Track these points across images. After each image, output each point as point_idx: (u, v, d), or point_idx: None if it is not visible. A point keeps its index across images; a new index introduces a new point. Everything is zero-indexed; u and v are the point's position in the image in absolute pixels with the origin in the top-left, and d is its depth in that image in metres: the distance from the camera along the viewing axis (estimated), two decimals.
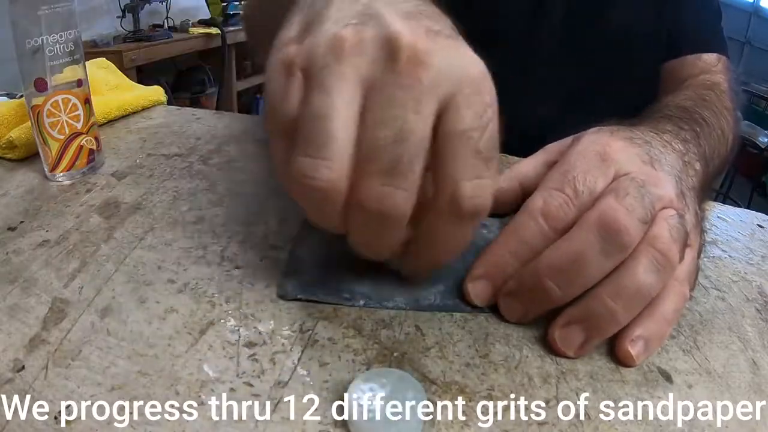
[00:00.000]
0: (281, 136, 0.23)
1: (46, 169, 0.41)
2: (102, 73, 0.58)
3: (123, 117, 0.54)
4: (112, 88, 0.57)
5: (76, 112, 0.40)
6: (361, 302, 0.28)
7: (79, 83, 0.40)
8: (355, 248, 0.25)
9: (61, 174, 0.41)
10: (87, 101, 0.41)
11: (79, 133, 0.41)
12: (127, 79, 0.61)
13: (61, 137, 0.40)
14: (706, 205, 0.38)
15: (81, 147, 0.41)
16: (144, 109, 0.57)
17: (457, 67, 0.22)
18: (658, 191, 0.27)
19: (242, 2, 2.77)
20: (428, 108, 0.22)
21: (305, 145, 0.22)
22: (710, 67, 0.56)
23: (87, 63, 0.58)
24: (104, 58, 0.62)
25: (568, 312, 0.26)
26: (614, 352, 0.26)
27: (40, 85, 0.38)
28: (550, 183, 0.28)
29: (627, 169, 0.28)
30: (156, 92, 0.59)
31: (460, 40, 0.24)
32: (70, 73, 0.40)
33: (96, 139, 0.43)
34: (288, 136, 0.23)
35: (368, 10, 0.23)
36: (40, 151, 0.40)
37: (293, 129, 0.22)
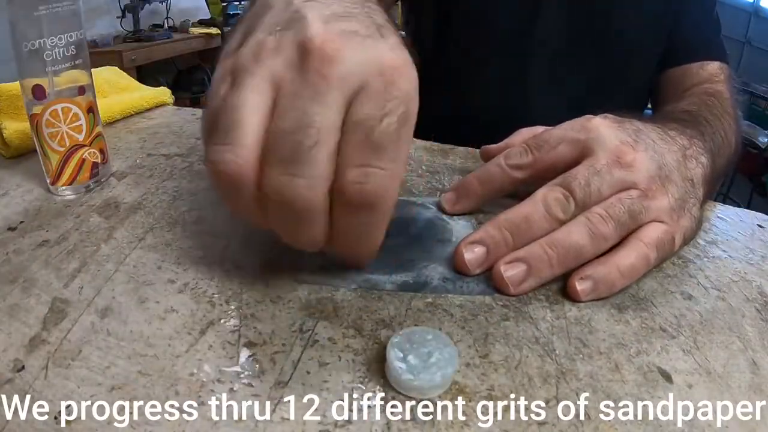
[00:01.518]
0: (208, 130, 0.24)
1: (47, 181, 0.38)
2: (107, 74, 0.58)
3: (124, 117, 0.54)
4: (119, 90, 0.57)
5: (78, 123, 0.37)
6: (354, 286, 0.29)
7: (81, 90, 0.37)
8: (282, 239, 0.26)
9: (63, 187, 0.38)
10: (91, 110, 0.38)
11: (81, 146, 0.38)
12: (135, 81, 0.61)
13: (62, 149, 0.37)
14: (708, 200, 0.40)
15: (83, 160, 0.38)
16: (147, 109, 0.57)
17: (367, 61, 0.23)
18: (621, 174, 0.31)
19: (241, 2, 2.77)
20: (332, 101, 0.22)
21: (215, 135, 0.23)
22: (713, 76, 0.57)
23: (97, 70, 0.59)
24: (115, 67, 0.62)
25: (513, 253, 0.30)
26: (565, 291, 0.29)
27: (39, 93, 0.35)
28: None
29: (602, 144, 0.32)
30: (162, 93, 0.59)
31: (382, 39, 0.24)
32: (72, 78, 0.37)
33: (101, 151, 0.40)
34: (211, 128, 0.24)
35: (295, 15, 0.24)
36: (41, 161, 0.38)
37: (216, 120, 0.24)
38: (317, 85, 0.22)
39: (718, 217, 0.41)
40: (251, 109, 0.23)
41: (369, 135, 0.22)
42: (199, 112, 0.58)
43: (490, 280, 0.30)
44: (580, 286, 0.29)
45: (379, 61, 0.23)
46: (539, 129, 0.37)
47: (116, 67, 0.62)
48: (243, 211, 0.25)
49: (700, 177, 0.35)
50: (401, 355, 0.23)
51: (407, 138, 0.24)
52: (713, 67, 0.58)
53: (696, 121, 0.42)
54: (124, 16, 2.40)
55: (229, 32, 0.27)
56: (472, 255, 0.30)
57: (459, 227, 0.35)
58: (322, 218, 0.24)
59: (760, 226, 0.40)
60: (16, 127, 0.43)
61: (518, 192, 0.35)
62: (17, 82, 0.45)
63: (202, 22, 2.72)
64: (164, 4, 2.57)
